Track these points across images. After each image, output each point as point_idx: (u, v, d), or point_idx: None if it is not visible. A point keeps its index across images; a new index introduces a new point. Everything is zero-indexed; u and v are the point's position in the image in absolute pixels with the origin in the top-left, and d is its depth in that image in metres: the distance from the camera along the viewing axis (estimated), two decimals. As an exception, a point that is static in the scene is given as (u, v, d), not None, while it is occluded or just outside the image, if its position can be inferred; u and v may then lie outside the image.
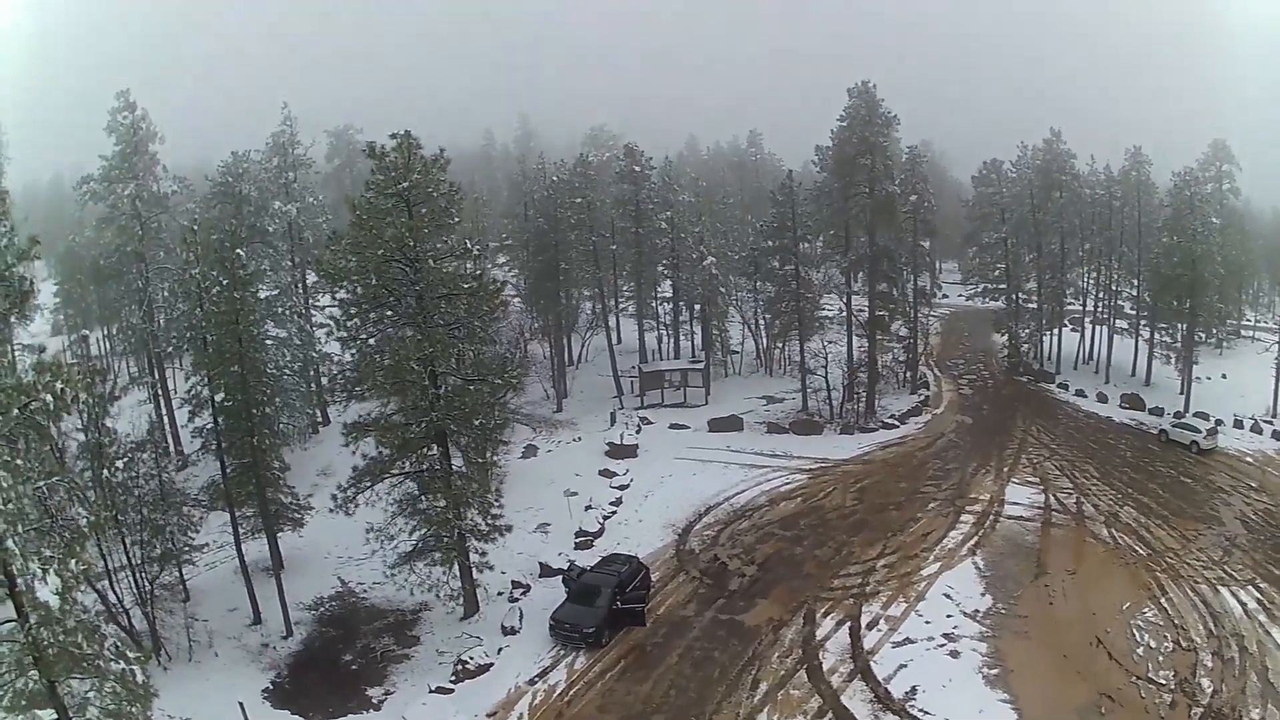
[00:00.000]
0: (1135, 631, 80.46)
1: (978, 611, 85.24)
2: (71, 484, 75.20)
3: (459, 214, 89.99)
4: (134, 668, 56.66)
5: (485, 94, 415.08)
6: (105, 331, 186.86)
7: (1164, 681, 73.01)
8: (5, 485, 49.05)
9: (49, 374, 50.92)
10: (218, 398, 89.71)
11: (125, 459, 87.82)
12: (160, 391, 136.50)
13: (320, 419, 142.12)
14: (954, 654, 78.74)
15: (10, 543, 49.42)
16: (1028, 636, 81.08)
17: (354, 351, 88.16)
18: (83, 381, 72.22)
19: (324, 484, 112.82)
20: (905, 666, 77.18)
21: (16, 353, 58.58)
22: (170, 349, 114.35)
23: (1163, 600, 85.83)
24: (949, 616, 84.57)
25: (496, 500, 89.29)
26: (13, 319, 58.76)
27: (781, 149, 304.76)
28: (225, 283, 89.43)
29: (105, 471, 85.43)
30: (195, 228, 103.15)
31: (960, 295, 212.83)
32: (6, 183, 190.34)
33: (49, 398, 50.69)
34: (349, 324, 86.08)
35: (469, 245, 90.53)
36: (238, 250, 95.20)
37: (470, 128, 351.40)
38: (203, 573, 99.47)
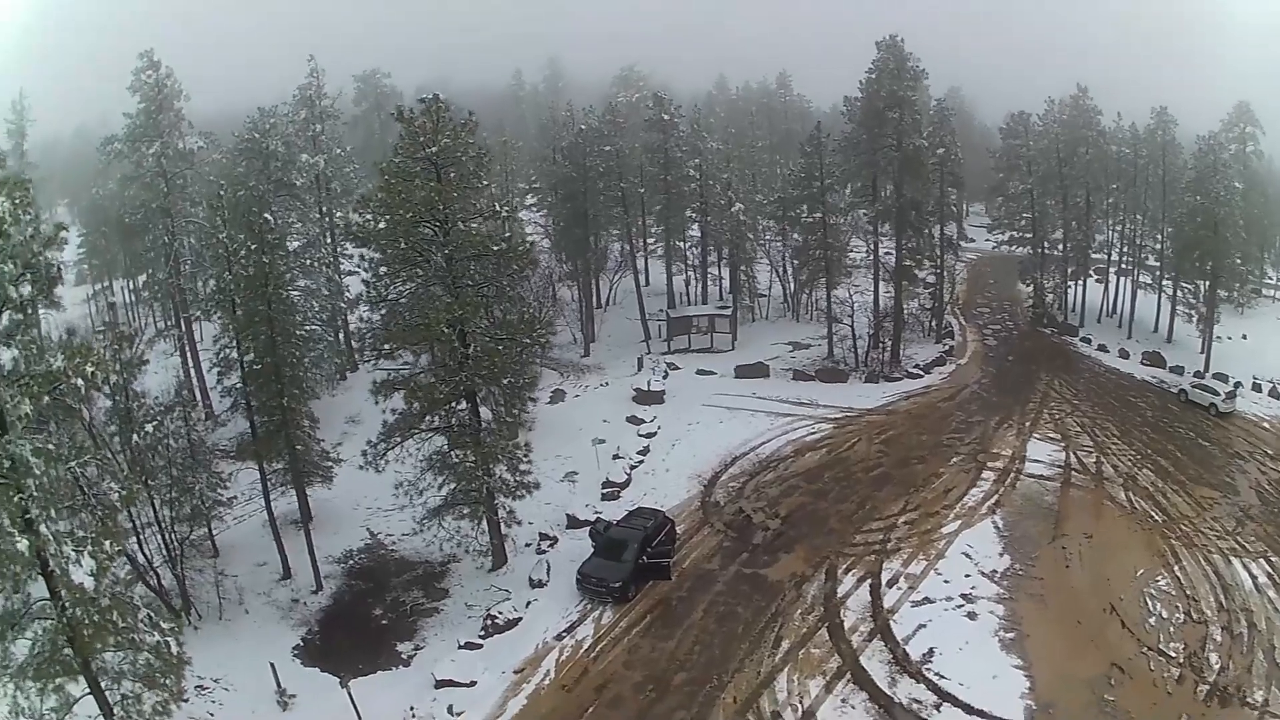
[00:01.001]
0: (1148, 600, 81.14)
1: (995, 572, 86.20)
2: (103, 459, 75.84)
3: (488, 176, 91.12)
4: (168, 639, 58.02)
5: (512, 33, 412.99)
6: (130, 284, 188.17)
7: (1173, 654, 73.77)
8: (38, 472, 50.53)
9: (79, 357, 52.39)
10: (246, 359, 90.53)
11: (154, 422, 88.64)
12: (187, 343, 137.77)
13: (348, 364, 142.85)
14: (971, 615, 79.92)
15: (44, 527, 51.08)
16: (1043, 600, 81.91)
17: (383, 311, 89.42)
18: (112, 362, 73.65)
19: (353, 432, 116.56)
20: (924, 627, 78.34)
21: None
22: (199, 314, 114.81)
23: (1176, 569, 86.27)
24: (967, 576, 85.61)
25: (525, 456, 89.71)
26: (41, 305, 59.62)
27: (810, 89, 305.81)
28: (253, 247, 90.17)
29: (134, 436, 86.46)
30: (222, 190, 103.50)
31: (986, 240, 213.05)
32: (30, 137, 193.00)
33: (80, 381, 52.41)
34: (378, 285, 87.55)
35: (498, 208, 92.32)
36: (265, 215, 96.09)
37: (498, 68, 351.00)
38: (231, 527, 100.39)
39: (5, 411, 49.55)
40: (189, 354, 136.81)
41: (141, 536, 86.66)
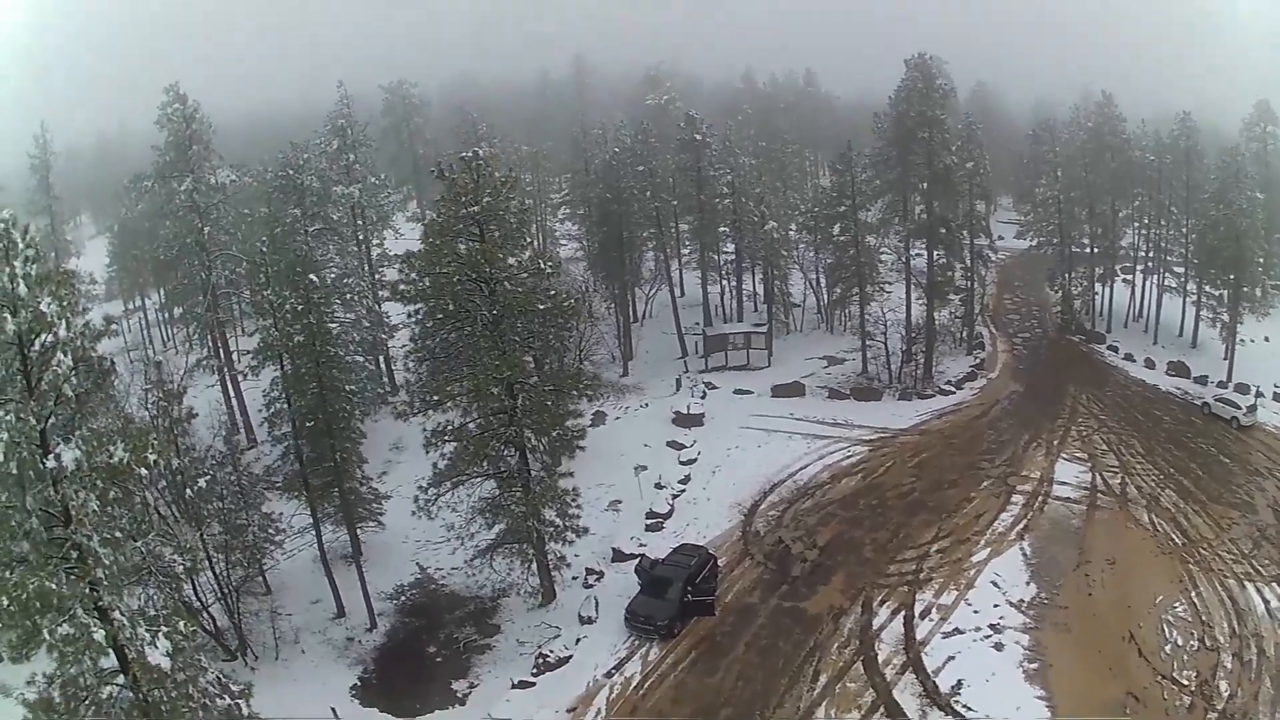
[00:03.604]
0: (1165, 628, 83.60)
1: (1022, 601, 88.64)
2: (165, 531, 77.37)
3: (530, 234, 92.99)
4: (239, 701, 60.69)
5: (536, 29, 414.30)
6: (165, 313, 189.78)
7: (1186, 682, 76.53)
8: (108, 561, 52.77)
9: (139, 445, 54.02)
10: (297, 416, 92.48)
11: (207, 476, 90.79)
12: (227, 371, 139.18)
13: (389, 388, 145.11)
14: (998, 646, 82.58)
15: (117, 613, 53.42)
16: (1067, 629, 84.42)
17: (428, 364, 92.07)
18: (170, 447, 76.30)
19: (397, 460, 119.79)
20: (953, 659, 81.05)
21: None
22: (246, 373, 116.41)
23: (1193, 595, 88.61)
24: (996, 606, 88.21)
25: (573, 501, 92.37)
26: (95, 399, 61.52)
27: (835, 79, 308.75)
28: (300, 308, 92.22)
29: (188, 490, 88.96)
30: (264, 248, 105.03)
31: (1016, 239, 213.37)
32: (53, 167, 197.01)
33: (143, 471, 54.89)
34: (424, 338, 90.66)
35: (542, 264, 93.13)
36: (310, 276, 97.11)
37: (523, 63, 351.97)
38: (281, 564, 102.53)
39: (72, 509, 51.43)
40: (229, 385, 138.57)
41: (195, 577, 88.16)
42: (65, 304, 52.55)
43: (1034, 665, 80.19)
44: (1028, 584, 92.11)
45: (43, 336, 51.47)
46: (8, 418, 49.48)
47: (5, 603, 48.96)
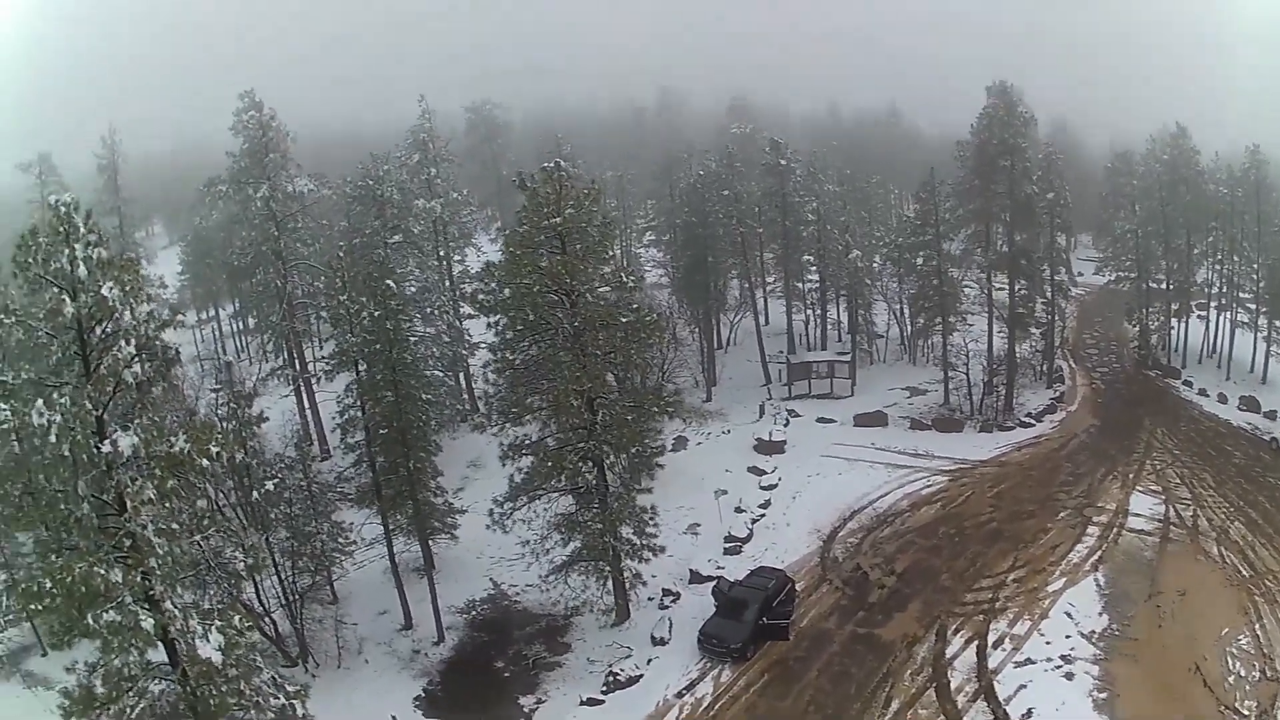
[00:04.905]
0: (1229, 659, 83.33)
1: (1094, 633, 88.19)
2: (226, 529, 77.68)
3: (613, 246, 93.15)
4: (293, 701, 61.24)
5: (622, 63, 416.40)
6: (239, 321, 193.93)
7: (1246, 712, 76.61)
8: (161, 551, 53.51)
9: (201, 437, 55.11)
10: (372, 424, 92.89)
11: (276, 479, 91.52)
12: (302, 384, 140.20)
13: (468, 405, 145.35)
14: (1069, 676, 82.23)
15: (169, 603, 54.08)
16: (1136, 660, 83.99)
17: (507, 376, 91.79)
18: (230, 427, 76.88)
19: (474, 476, 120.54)
20: (1025, 687, 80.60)
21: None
22: (320, 377, 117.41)
23: (1257, 627, 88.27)
24: (1068, 637, 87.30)
25: (651, 520, 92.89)
26: (158, 388, 61.71)
27: (920, 115, 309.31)
28: (377, 314, 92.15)
29: (255, 493, 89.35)
30: (341, 251, 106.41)
31: (1095, 274, 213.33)
32: (124, 171, 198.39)
33: (205, 462, 55.12)
34: (504, 349, 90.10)
35: (625, 278, 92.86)
36: (387, 281, 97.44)
37: (608, 96, 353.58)
38: (350, 574, 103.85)
39: (127, 496, 52.20)
40: (304, 394, 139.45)
41: (259, 583, 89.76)
42: (129, 290, 53.33)
43: (1103, 695, 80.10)
44: (1100, 615, 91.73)
45: (103, 322, 52.65)
46: (62, 400, 50.57)
47: (49, 586, 49.82)
